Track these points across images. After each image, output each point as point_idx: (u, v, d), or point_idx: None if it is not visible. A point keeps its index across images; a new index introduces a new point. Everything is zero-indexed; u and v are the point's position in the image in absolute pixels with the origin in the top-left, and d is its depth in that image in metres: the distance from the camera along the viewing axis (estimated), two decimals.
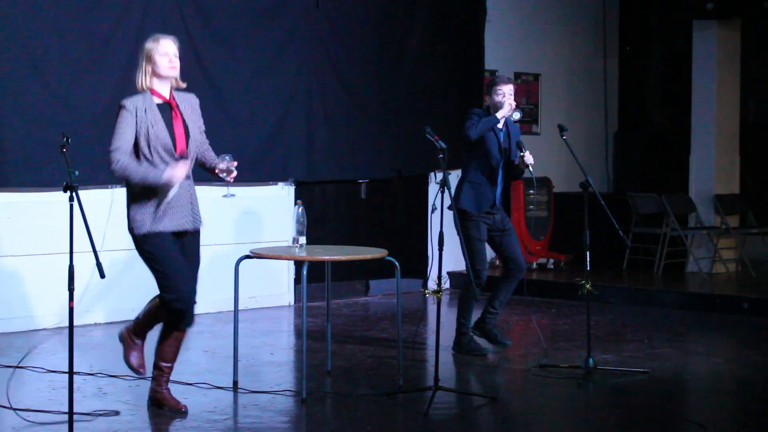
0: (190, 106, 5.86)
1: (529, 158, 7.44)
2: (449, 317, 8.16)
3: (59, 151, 5.05)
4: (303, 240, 6.47)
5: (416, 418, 5.84)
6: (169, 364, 5.92)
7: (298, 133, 9.93)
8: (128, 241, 5.81)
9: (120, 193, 7.08)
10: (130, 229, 5.72)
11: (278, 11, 9.79)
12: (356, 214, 10.69)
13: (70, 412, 4.97)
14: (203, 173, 6.03)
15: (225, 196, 5.99)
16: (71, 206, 4.93)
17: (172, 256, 5.70)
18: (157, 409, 5.86)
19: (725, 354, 8.10)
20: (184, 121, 5.77)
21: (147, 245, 5.68)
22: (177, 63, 5.74)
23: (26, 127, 8.16)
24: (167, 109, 5.72)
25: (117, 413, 5.72)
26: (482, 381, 7.04)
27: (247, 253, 6.51)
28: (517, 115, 7.54)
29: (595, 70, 13.00)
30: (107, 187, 8.60)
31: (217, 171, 5.86)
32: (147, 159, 5.62)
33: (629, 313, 9.74)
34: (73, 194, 4.93)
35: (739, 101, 11.99)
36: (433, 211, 6.29)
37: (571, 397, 6.52)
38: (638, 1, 13.22)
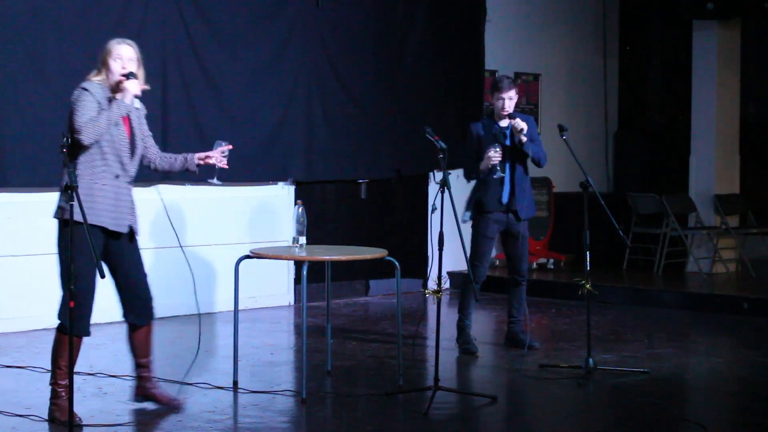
0: (137, 113, 5.71)
1: (518, 124, 7.46)
2: (449, 317, 8.16)
3: (59, 151, 5.04)
4: (303, 240, 6.47)
5: (416, 418, 5.84)
6: (147, 359, 5.82)
7: (297, 133, 9.93)
8: None
9: None
10: (58, 213, 5.49)
11: (278, 11, 9.78)
12: (356, 214, 10.69)
13: (70, 412, 4.98)
14: (188, 174, 5.94)
15: (210, 181, 5.93)
16: (71, 206, 4.92)
17: (91, 275, 5.45)
18: (152, 405, 5.83)
19: (725, 354, 8.10)
20: (131, 128, 5.64)
21: (74, 236, 5.15)
22: (130, 68, 5.55)
23: (26, 127, 8.16)
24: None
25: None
26: (482, 381, 7.03)
27: (247, 253, 6.50)
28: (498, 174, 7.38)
29: (595, 70, 13.00)
30: None
31: (213, 157, 5.79)
32: (99, 154, 5.44)
33: (629, 313, 9.74)
34: (73, 194, 4.92)
35: (739, 101, 11.98)
36: (433, 211, 6.28)
37: (571, 397, 6.51)
38: (638, 1, 13.21)
